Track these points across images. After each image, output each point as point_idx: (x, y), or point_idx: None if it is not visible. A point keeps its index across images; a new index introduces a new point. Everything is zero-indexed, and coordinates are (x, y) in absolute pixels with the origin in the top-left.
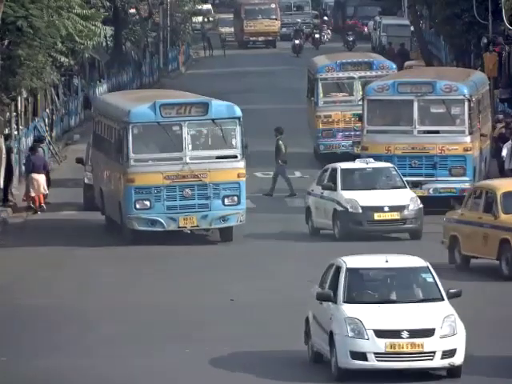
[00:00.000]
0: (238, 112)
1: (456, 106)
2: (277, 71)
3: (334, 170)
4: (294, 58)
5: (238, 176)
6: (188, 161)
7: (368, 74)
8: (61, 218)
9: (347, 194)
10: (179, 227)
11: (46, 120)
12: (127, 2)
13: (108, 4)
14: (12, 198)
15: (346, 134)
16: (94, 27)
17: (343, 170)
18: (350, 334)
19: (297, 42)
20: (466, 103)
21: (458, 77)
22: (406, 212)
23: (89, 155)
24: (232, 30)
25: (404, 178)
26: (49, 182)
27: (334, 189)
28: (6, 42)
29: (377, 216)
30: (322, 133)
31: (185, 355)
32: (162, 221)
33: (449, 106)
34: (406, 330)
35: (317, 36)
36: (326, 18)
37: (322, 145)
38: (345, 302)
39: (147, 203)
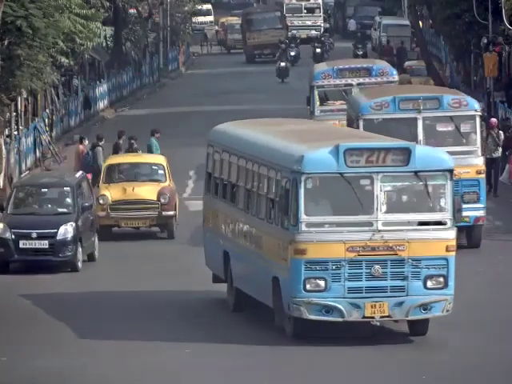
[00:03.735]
0: (450, 162)
1: (466, 123)
2: None
3: None
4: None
5: (447, 250)
6: (380, 227)
7: (367, 80)
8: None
9: None
10: (364, 317)
11: (46, 120)
12: (127, 2)
13: (108, 4)
14: None
15: None
16: (93, 27)
17: None
18: None
19: (282, 64)
20: (478, 119)
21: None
22: None
23: (11, 198)
24: (240, 37)
25: None
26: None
27: None
28: (5, 42)
29: None
30: None
31: (185, 355)
32: (342, 308)
33: (458, 124)
34: None
35: (318, 51)
36: (328, 25)
37: None
38: None
39: (322, 283)
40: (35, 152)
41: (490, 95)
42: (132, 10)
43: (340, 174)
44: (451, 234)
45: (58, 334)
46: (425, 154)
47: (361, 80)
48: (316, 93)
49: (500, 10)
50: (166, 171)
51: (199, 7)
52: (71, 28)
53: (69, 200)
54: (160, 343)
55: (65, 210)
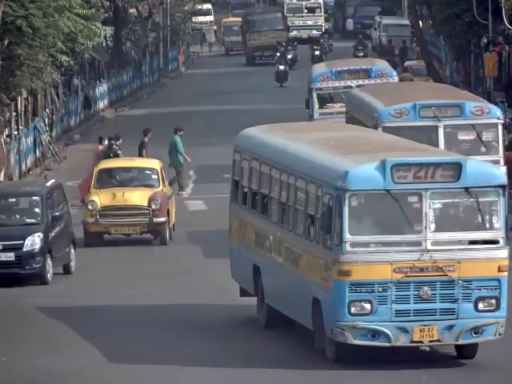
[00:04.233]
0: (503, 178)
1: (488, 132)
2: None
3: None
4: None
5: (499, 270)
6: (429, 247)
7: (366, 82)
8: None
9: None
10: (412, 342)
11: (46, 120)
12: (127, 2)
13: (108, 4)
14: None
15: None
16: (93, 27)
17: None
18: None
19: (281, 67)
20: (500, 127)
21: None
22: None
23: None
24: (238, 39)
25: None
26: None
27: None
28: (5, 42)
29: None
30: None
31: (185, 355)
32: (388, 332)
33: (480, 132)
34: None
35: (316, 53)
36: (329, 24)
37: None
38: None
39: (367, 306)
40: (35, 152)
41: (490, 95)
42: (132, 10)
43: (386, 190)
44: (504, 254)
45: (58, 334)
46: (476, 168)
47: (360, 82)
48: (315, 95)
49: (500, 9)
50: (160, 176)
51: (199, 7)
52: (71, 28)
53: (37, 210)
54: (160, 343)
55: (33, 220)
